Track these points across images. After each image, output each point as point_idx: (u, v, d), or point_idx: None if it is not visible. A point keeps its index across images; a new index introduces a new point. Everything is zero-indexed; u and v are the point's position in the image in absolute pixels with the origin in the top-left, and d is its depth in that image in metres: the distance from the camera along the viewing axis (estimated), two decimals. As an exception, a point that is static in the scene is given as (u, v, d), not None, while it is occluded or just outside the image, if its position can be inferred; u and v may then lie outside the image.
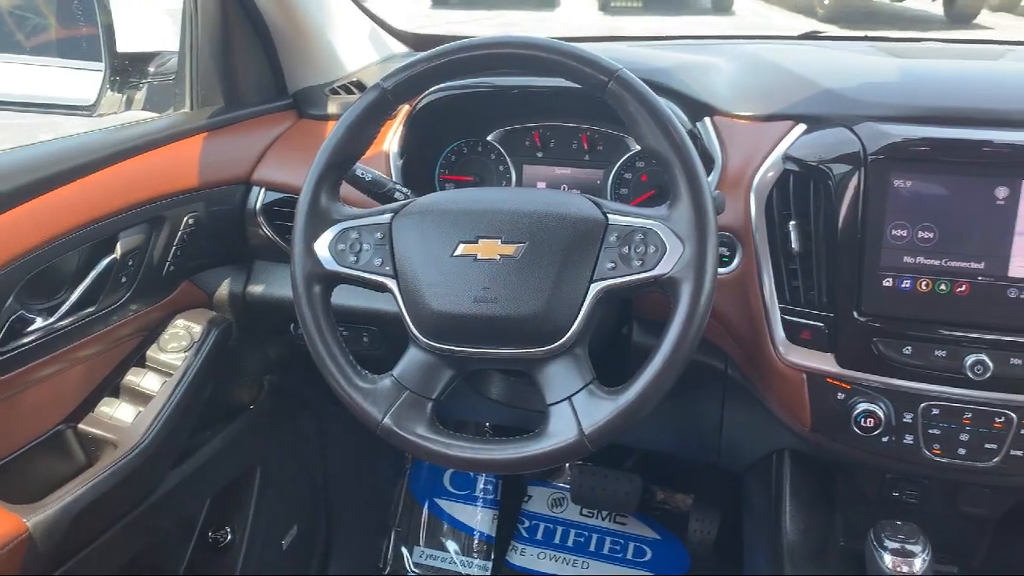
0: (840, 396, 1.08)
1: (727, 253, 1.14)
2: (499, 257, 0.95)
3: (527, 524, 1.97)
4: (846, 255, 1.05)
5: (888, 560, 0.97)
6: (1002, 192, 1.00)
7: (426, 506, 1.99)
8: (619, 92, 0.93)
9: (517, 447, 0.94)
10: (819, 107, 1.13)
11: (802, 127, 1.11)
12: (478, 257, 0.95)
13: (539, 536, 1.95)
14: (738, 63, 1.31)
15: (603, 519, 1.95)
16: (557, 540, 1.94)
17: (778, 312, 1.10)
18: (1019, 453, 1.04)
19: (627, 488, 1.81)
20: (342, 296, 1.10)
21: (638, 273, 0.94)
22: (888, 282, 1.04)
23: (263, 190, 1.36)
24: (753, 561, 1.44)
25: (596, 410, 0.93)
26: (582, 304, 0.94)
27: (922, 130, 1.03)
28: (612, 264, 0.95)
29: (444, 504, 1.98)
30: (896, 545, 0.99)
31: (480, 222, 0.97)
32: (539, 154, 1.35)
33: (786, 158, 1.09)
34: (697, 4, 12.67)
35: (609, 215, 0.97)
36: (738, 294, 1.13)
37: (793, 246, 1.07)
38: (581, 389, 0.95)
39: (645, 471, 1.86)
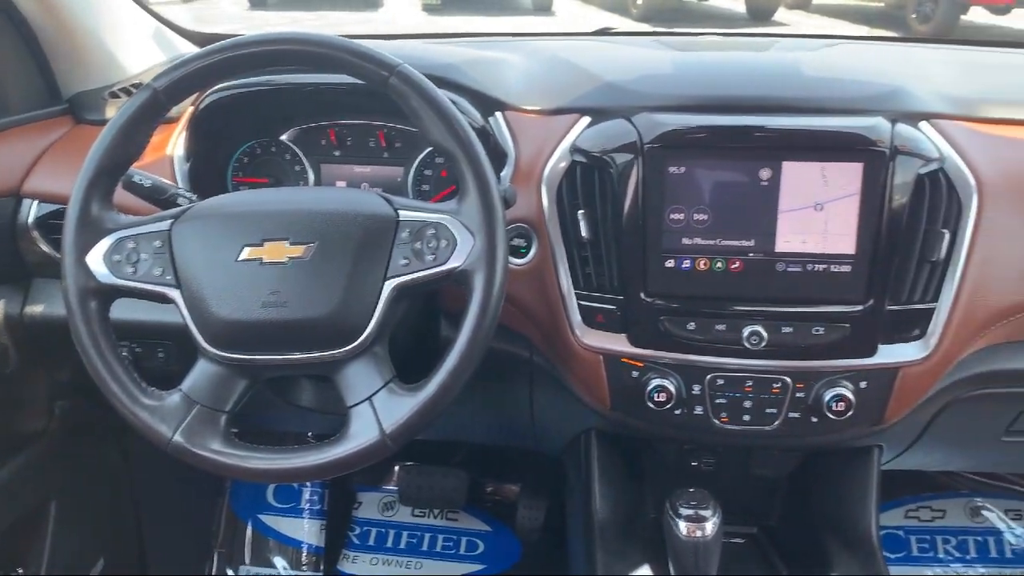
0: (635, 374, 1.13)
1: (524, 244, 1.16)
2: (287, 259, 0.93)
3: (358, 531, 1.94)
4: (631, 240, 1.09)
5: (683, 527, 1.02)
6: (765, 174, 1.07)
7: (250, 523, 1.91)
8: (401, 88, 0.93)
9: (317, 453, 0.92)
10: (601, 100, 1.17)
11: (587, 119, 1.16)
12: (264, 260, 0.93)
13: (371, 541, 1.93)
14: (529, 59, 1.34)
15: (435, 517, 1.96)
16: (389, 544, 1.92)
17: (574, 297, 1.13)
18: (796, 415, 1.12)
19: (455, 484, 1.82)
20: (129, 310, 1.04)
21: (431, 268, 0.94)
22: (670, 263, 1.10)
23: (35, 202, 1.26)
24: (575, 542, 1.48)
25: (396, 408, 0.92)
26: (377, 302, 0.94)
27: (693, 118, 1.09)
28: (406, 260, 0.95)
29: (269, 519, 1.92)
30: (689, 512, 1.05)
31: (265, 224, 0.94)
32: (336, 153, 1.32)
33: (573, 150, 1.13)
34: (520, 5, 12.96)
35: (400, 211, 0.97)
36: (536, 282, 1.15)
37: (583, 234, 1.11)
38: (381, 388, 0.94)
39: (472, 465, 1.88)
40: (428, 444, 1.82)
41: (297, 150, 1.33)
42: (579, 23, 11.42)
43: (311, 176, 1.33)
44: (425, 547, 1.91)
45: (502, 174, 1.18)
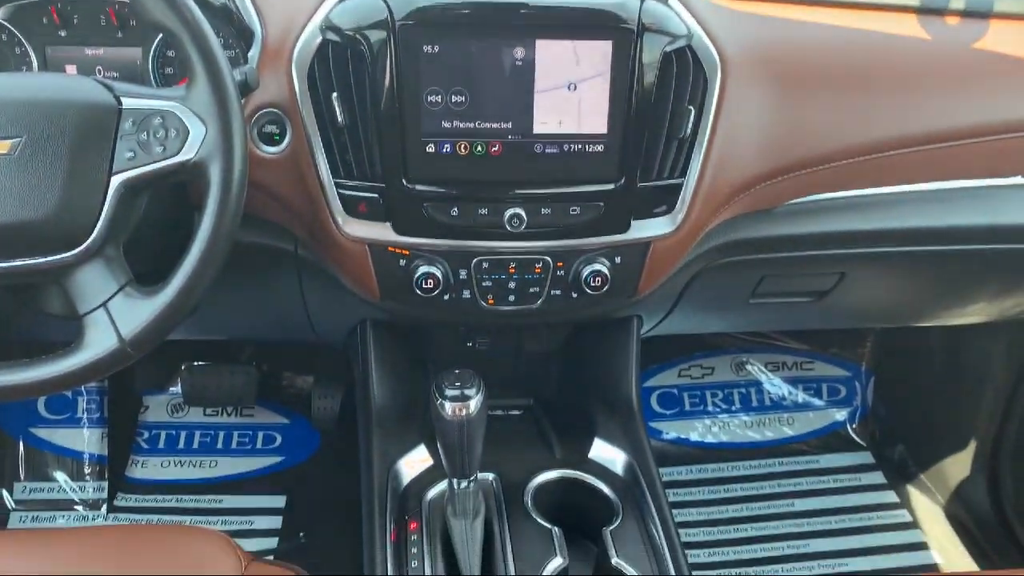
0: (402, 263, 1.13)
1: (277, 130, 1.10)
2: None
3: (146, 435, 1.88)
4: (389, 125, 1.06)
5: (448, 407, 1.05)
6: (520, 53, 1.05)
7: (21, 439, 1.80)
8: None
9: (47, 366, 0.86)
10: None
11: None
12: None
13: (161, 445, 1.87)
14: None
15: (229, 415, 1.91)
16: (181, 445, 1.87)
17: (333, 186, 1.09)
18: (557, 292, 1.16)
19: (243, 380, 1.78)
20: None
21: (161, 160, 0.88)
22: (431, 148, 1.08)
23: None
24: (359, 429, 1.50)
25: (135, 313, 0.87)
26: (104, 200, 0.86)
27: None
28: (132, 153, 0.88)
29: (43, 432, 1.81)
30: (454, 392, 1.07)
31: None
32: (62, 33, 1.18)
33: (324, 27, 1.06)
34: None
35: (123, 99, 0.89)
36: (293, 171, 1.10)
37: (339, 119, 1.06)
38: (116, 293, 0.88)
39: (264, 360, 1.84)
40: (215, 343, 1.76)
41: (15, 30, 1.17)
42: None
43: (35, 61, 1.18)
44: (220, 445, 1.88)
45: (249, 54, 1.10)
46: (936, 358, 1.92)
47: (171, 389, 1.91)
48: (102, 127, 0.86)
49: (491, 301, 1.15)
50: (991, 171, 1.25)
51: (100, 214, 0.86)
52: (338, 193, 1.09)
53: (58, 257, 0.87)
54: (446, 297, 1.14)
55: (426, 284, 1.12)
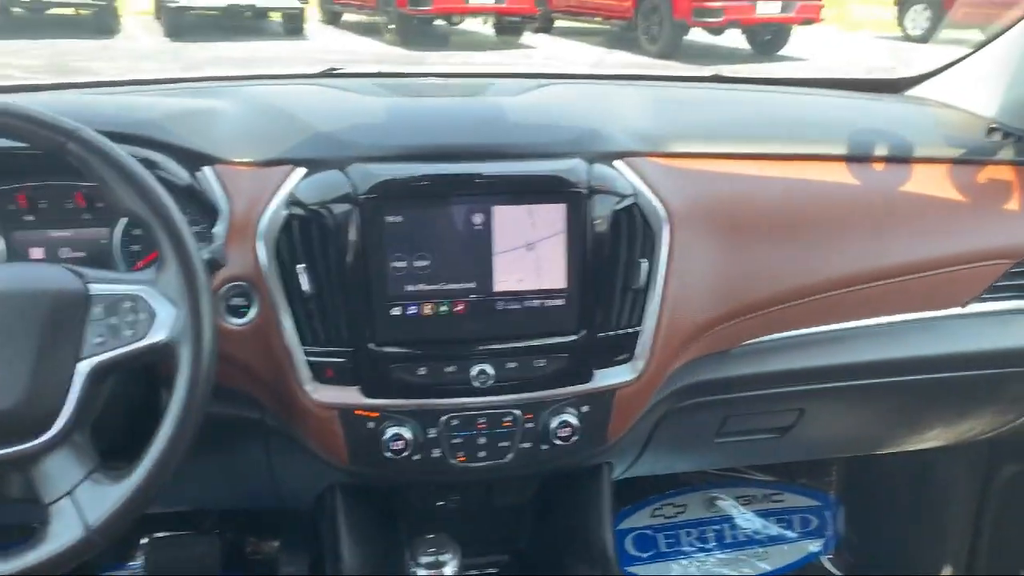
0: (370, 425, 1.13)
1: (244, 303, 1.12)
2: None
3: (103, 615, 1.78)
4: (355, 291, 1.09)
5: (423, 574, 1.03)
6: (478, 218, 1.11)
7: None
8: (81, 154, 0.87)
9: (9, 559, 0.84)
10: (315, 150, 1.16)
11: (302, 171, 1.14)
12: None
13: (118, 624, 1.77)
14: (241, 107, 1.29)
15: (192, 587, 1.83)
16: (139, 623, 1.78)
17: (301, 354, 1.11)
18: (527, 445, 1.17)
19: (206, 550, 1.72)
20: None
21: (130, 344, 0.89)
22: (396, 311, 1.11)
23: None
24: None
25: (103, 500, 0.87)
26: (70, 387, 0.87)
27: (405, 168, 1.10)
28: (101, 338, 0.89)
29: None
30: (428, 559, 1.06)
31: None
32: (29, 218, 1.20)
33: (288, 203, 1.11)
34: (269, 28, 12.63)
35: (91, 285, 0.91)
36: (261, 342, 1.12)
37: (305, 288, 1.09)
38: (83, 480, 0.88)
39: (228, 527, 1.78)
40: (175, 513, 1.71)
41: None
42: (331, 47, 11.35)
43: (2, 245, 1.20)
44: (181, 620, 1.79)
45: (215, 231, 1.13)
46: (902, 483, 1.94)
47: (131, 564, 1.83)
48: (72, 315, 0.88)
49: (461, 458, 1.16)
50: (927, 304, 1.32)
51: (66, 401, 0.87)
52: (306, 360, 1.11)
53: (24, 447, 0.86)
54: (416, 457, 1.14)
55: (395, 445, 1.12)
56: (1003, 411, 1.48)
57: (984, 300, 1.34)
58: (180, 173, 1.13)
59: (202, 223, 1.14)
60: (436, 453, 1.15)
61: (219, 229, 1.13)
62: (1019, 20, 1.40)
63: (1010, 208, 1.34)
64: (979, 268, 1.30)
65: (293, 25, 11.93)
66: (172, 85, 1.46)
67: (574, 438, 1.15)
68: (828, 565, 2.09)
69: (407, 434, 1.12)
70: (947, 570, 1.85)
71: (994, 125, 1.41)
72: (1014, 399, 1.46)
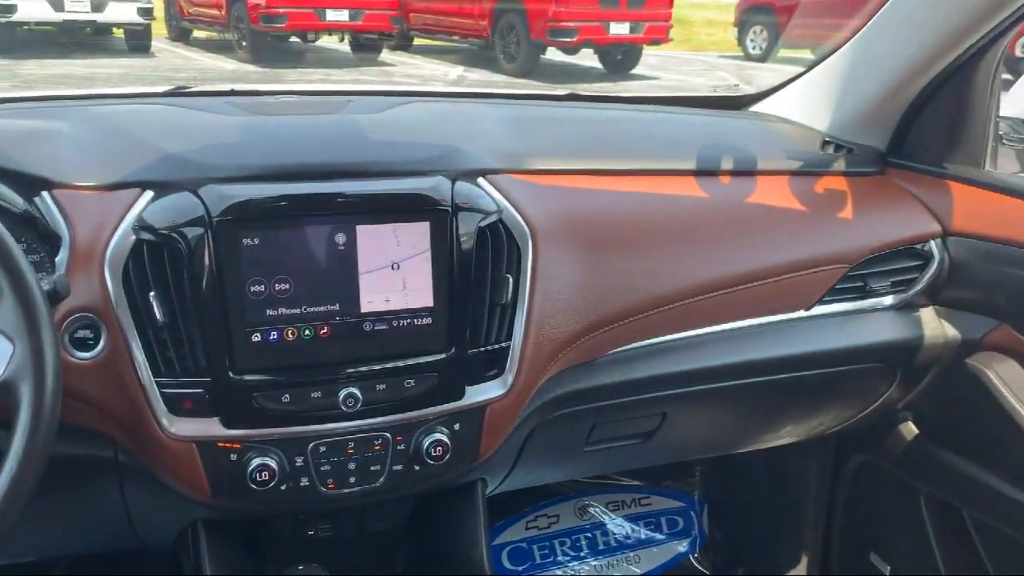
0: (233, 457, 1.08)
1: (91, 335, 1.05)
2: None
3: None
4: (211, 318, 1.05)
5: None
6: (341, 238, 1.09)
7: None
8: None
9: None
10: (164, 172, 1.11)
11: (150, 194, 1.08)
12: None
13: None
14: (82, 128, 1.22)
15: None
16: None
17: (155, 386, 1.05)
18: (399, 467, 1.15)
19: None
20: None
21: None
22: (256, 337, 1.07)
23: None
24: None
25: None
26: None
27: (261, 188, 1.07)
28: None
29: None
30: (303, 592, 1.03)
31: None
32: None
33: (137, 227, 1.05)
34: (112, 45, 12.01)
35: None
36: (111, 376, 1.05)
37: (157, 317, 1.04)
38: None
39: (81, 574, 1.67)
40: (19, 566, 1.58)
41: None
42: (178, 63, 10.94)
43: None
44: None
45: (57, 259, 1.06)
46: (760, 479, 2.04)
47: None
48: None
49: (332, 485, 1.13)
50: (775, 308, 1.40)
51: None
52: (160, 392, 1.06)
53: None
54: (283, 487, 1.10)
55: (261, 476, 1.08)
56: (847, 406, 1.59)
57: (825, 303, 1.43)
58: (15, 199, 1.05)
59: (41, 252, 1.07)
60: (304, 482, 1.12)
61: (61, 257, 1.06)
62: (846, 41, 1.51)
63: (844, 216, 1.44)
64: (819, 273, 1.39)
65: (138, 42, 11.36)
66: (5, 105, 1.36)
67: (447, 456, 1.15)
68: (696, 564, 2.17)
69: (273, 464, 1.09)
70: (805, 557, 1.96)
71: (827, 138, 1.52)
72: (856, 394, 1.56)
